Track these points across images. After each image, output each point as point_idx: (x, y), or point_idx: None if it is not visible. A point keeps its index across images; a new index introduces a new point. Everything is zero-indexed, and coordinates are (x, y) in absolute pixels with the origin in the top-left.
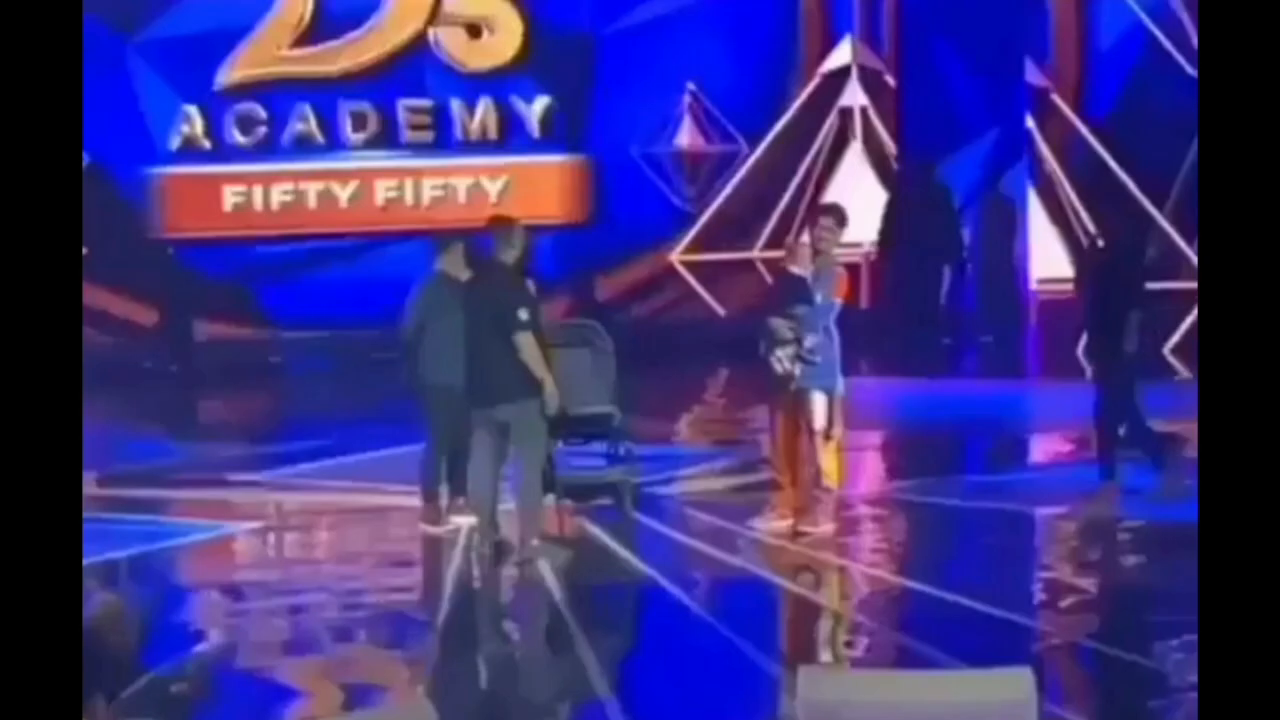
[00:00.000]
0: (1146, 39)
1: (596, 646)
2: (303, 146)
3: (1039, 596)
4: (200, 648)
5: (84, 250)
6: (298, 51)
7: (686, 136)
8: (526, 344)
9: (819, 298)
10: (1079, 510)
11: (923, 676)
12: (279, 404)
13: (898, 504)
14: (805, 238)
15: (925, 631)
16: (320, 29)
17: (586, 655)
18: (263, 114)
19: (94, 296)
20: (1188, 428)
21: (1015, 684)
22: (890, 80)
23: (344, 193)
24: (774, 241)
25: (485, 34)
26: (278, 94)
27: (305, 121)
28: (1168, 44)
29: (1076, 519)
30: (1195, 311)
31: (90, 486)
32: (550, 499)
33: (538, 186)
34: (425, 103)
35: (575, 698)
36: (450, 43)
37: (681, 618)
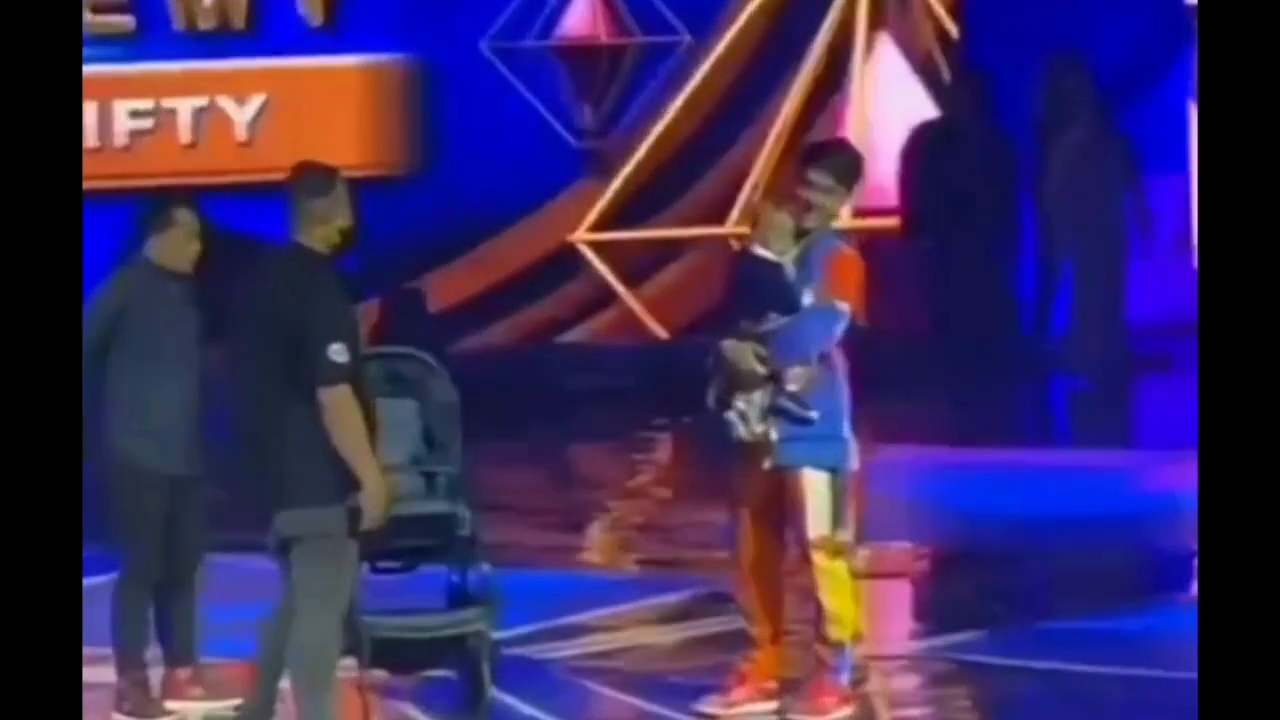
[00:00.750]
0: None
1: None
2: None
3: None
4: None
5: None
6: None
7: (581, 18)
8: (339, 407)
9: (807, 299)
10: None
11: None
12: None
13: (956, 671)
14: (801, 191)
15: None
16: None
17: None
18: None
19: None
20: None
21: None
22: None
23: None
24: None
25: None
26: None
27: None
28: None
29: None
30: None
31: None
32: (352, 668)
33: (320, 111)
34: None
35: None
36: None
37: None
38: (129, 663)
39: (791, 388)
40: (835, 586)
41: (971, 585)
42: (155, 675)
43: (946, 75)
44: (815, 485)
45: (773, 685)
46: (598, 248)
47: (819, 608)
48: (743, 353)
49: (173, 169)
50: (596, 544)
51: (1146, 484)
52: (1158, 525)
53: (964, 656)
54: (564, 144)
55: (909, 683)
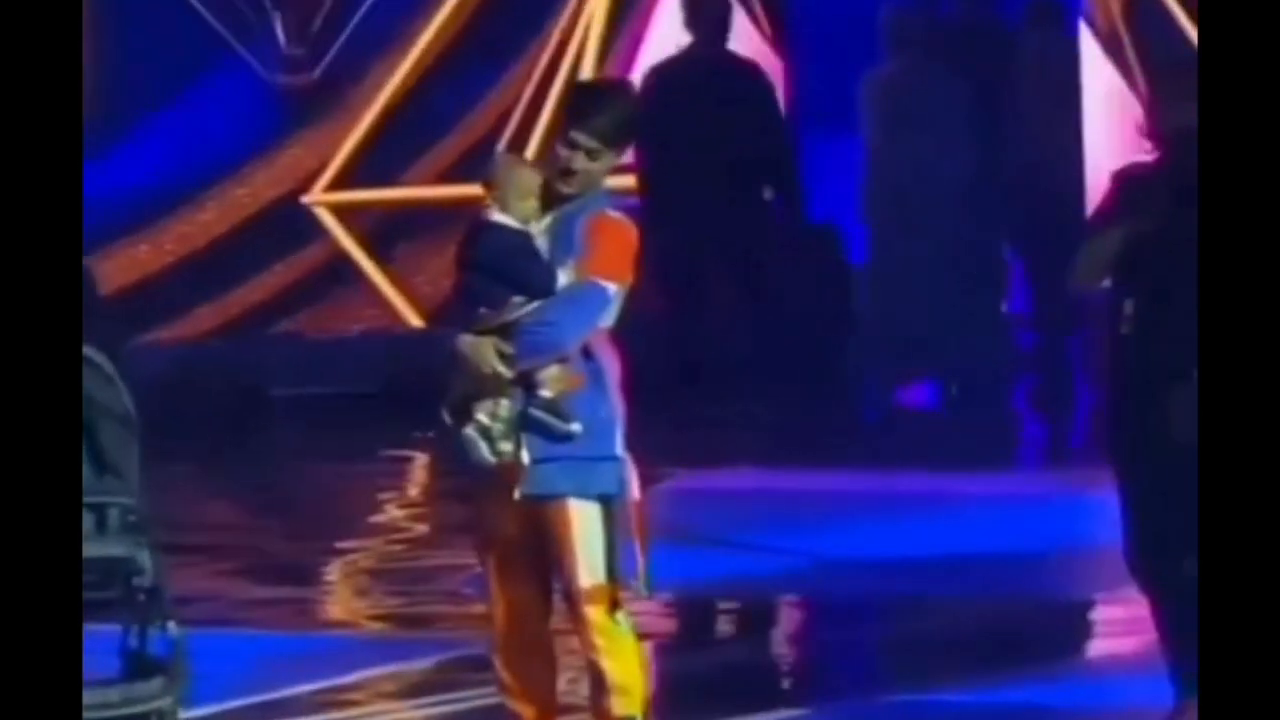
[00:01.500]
0: None
1: None
2: None
3: None
4: None
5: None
6: None
7: None
8: None
9: (564, 278)
10: None
11: None
12: None
13: None
14: (562, 151)
15: None
16: None
17: None
18: None
19: None
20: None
21: None
22: None
23: None
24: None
25: None
26: None
27: None
28: None
29: None
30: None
31: None
32: None
33: None
34: None
35: None
36: None
37: None
38: None
39: (545, 393)
40: (617, 649)
41: (794, 648)
42: None
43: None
44: (582, 519)
45: None
46: (337, 213)
47: (598, 676)
48: (481, 350)
49: None
50: (321, 596)
51: (1030, 512)
52: (1043, 566)
53: None
54: (260, 81)
55: None
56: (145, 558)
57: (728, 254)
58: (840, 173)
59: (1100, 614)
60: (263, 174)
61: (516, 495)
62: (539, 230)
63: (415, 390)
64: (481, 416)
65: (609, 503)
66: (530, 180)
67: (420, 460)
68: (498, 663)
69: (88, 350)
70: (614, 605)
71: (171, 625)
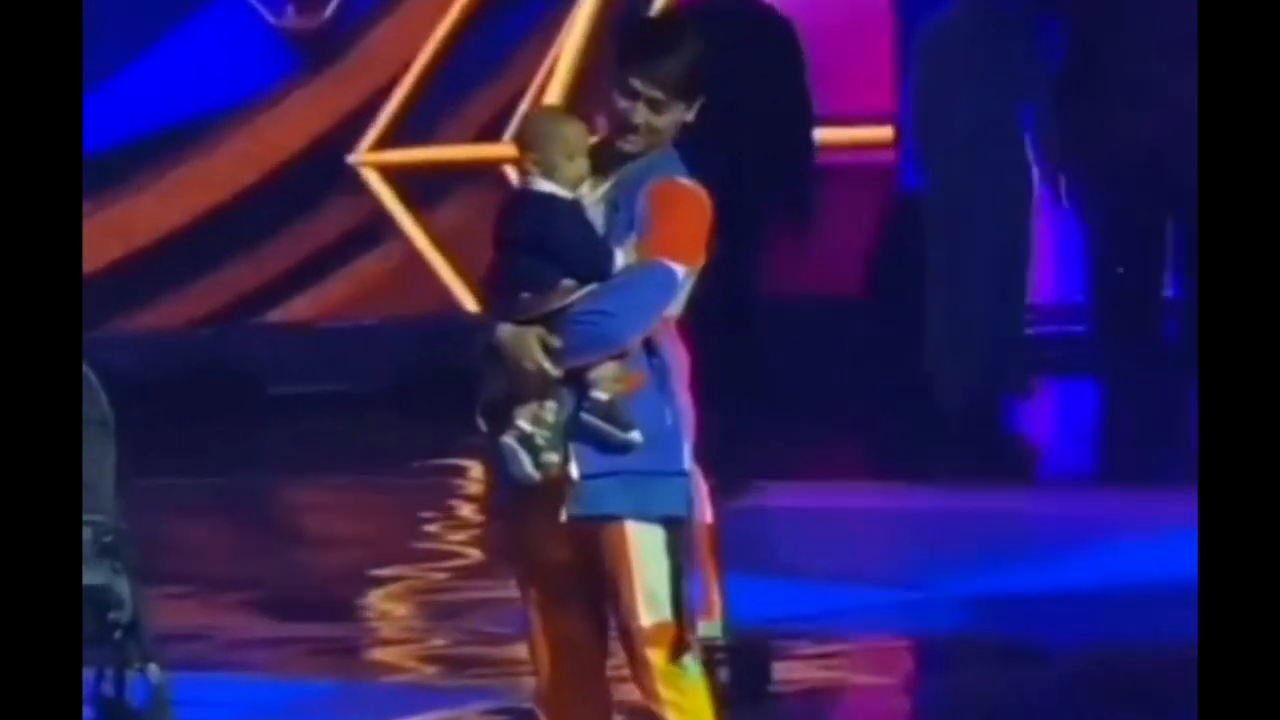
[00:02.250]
0: None
1: None
2: None
3: None
4: None
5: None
6: None
7: None
8: None
9: (621, 255)
10: None
11: None
12: None
13: None
14: (620, 102)
15: None
16: None
17: None
18: None
19: None
20: None
21: None
22: None
23: None
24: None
25: None
26: None
27: None
28: None
29: None
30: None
31: None
32: None
33: None
34: None
35: None
36: None
37: None
38: None
39: (599, 396)
40: (684, 700)
41: (889, 697)
42: None
43: None
44: (642, 545)
45: None
46: (383, 174)
47: None
48: (524, 343)
49: None
50: (332, 635)
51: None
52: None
53: None
54: (262, 22)
55: None
56: (123, 587)
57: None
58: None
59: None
60: (259, 131)
61: (564, 516)
62: (592, 200)
63: (444, 389)
64: (523, 423)
65: (674, 526)
66: (578, 138)
67: (450, 473)
68: (541, 715)
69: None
70: (680, 648)
71: (153, 668)
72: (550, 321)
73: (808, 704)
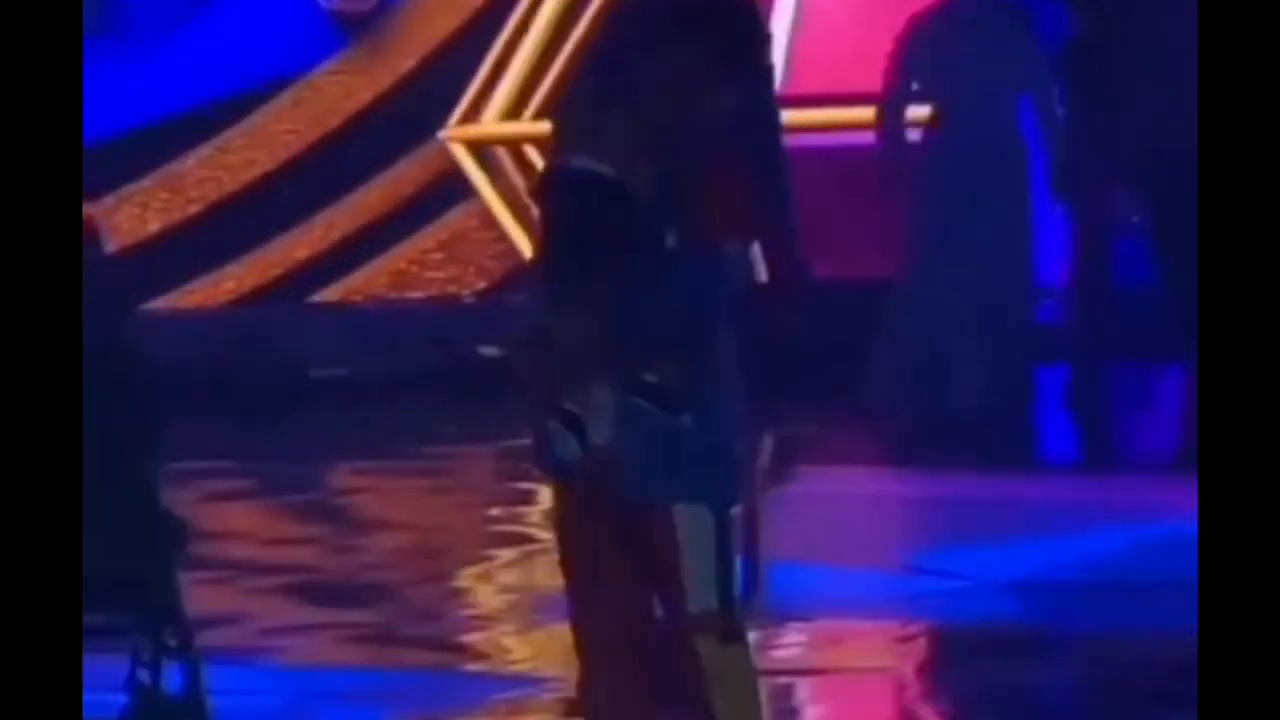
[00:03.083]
0: None
1: None
2: None
3: None
4: None
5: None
6: None
7: None
8: None
9: (672, 238)
10: None
11: None
12: None
13: None
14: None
15: None
16: None
17: None
18: None
19: None
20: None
21: None
22: None
23: None
24: None
25: None
26: None
27: None
28: None
29: None
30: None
31: None
32: None
33: None
34: None
35: None
36: None
37: None
38: None
39: (648, 377)
40: (730, 685)
41: (937, 685)
42: None
43: None
44: (691, 531)
45: None
46: (473, 150)
47: (707, 718)
48: (568, 325)
49: None
50: (373, 621)
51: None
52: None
53: None
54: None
55: None
56: (161, 573)
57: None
58: None
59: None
60: (304, 107)
61: (610, 500)
62: (640, 177)
63: (487, 372)
64: (570, 404)
65: (723, 511)
66: (628, 118)
67: (492, 458)
68: (584, 705)
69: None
70: (729, 636)
71: (191, 654)
72: (595, 302)
73: (843, 689)
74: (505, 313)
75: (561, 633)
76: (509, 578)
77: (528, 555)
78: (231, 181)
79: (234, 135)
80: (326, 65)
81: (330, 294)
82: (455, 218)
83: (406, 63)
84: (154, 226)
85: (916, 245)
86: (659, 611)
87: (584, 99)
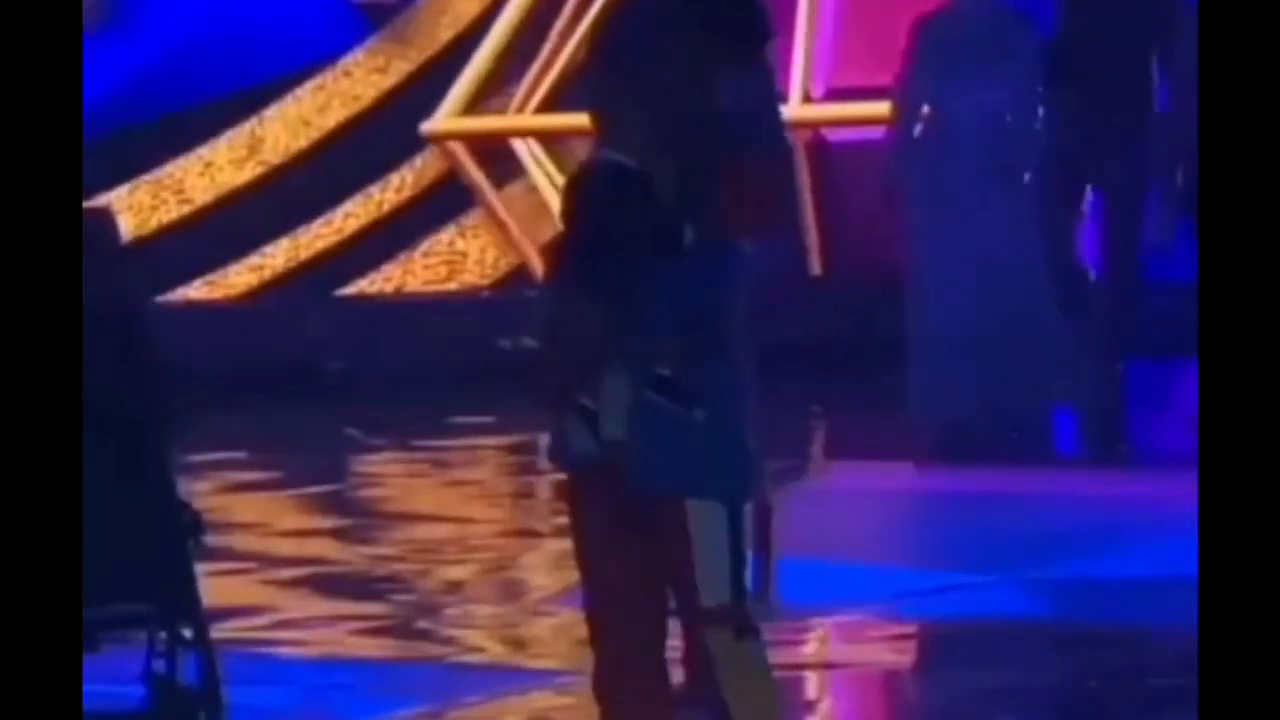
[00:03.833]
0: None
1: None
2: None
3: None
4: None
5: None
6: None
7: None
8: None
9: (690, 234)
10: None
11: None
12: None
13: None
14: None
15: None
16: None
17: None
18: None
19: None
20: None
21: None
22: None
23: None
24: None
25: None
26: None
27: None
28: None
29: None
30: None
31: None
32: None
33: None
34: None
35: None
36: None
37: None
38: None
39: (663, 372)
40: (744, 683)
41: (975, 684)
42: None
43: None
44: (703, 525)
45: None
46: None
47: (722, 713)
48: (587, 318)
49: None
50: (392, 612)
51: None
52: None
53: None
54: None
55: None
56: (177, 565)
57: None
58: None
59: None
60: (321, 96)
61: (624, 494)
62: (661, 173)
63: (505, 367)
64: (585, 398)
65: (735, 506)
66: (647, 114)
67: (509, 451)
68: (599, 697)
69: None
70: (741, 630)
71: (206, 646)
72: (614, 296)
73: (863, 685)
74: (521, 306)
75: (576, 625)
76: (525, 570)
77: (543, 548)
78: (258, 168)
79: (266, 119)
80: (354, 54)
81: (351, 288)
82: (474, 212)
83: (428, 53)
84: (179, 214)
85: (923, 245)
86: (672, 605)
87: (611, 95)
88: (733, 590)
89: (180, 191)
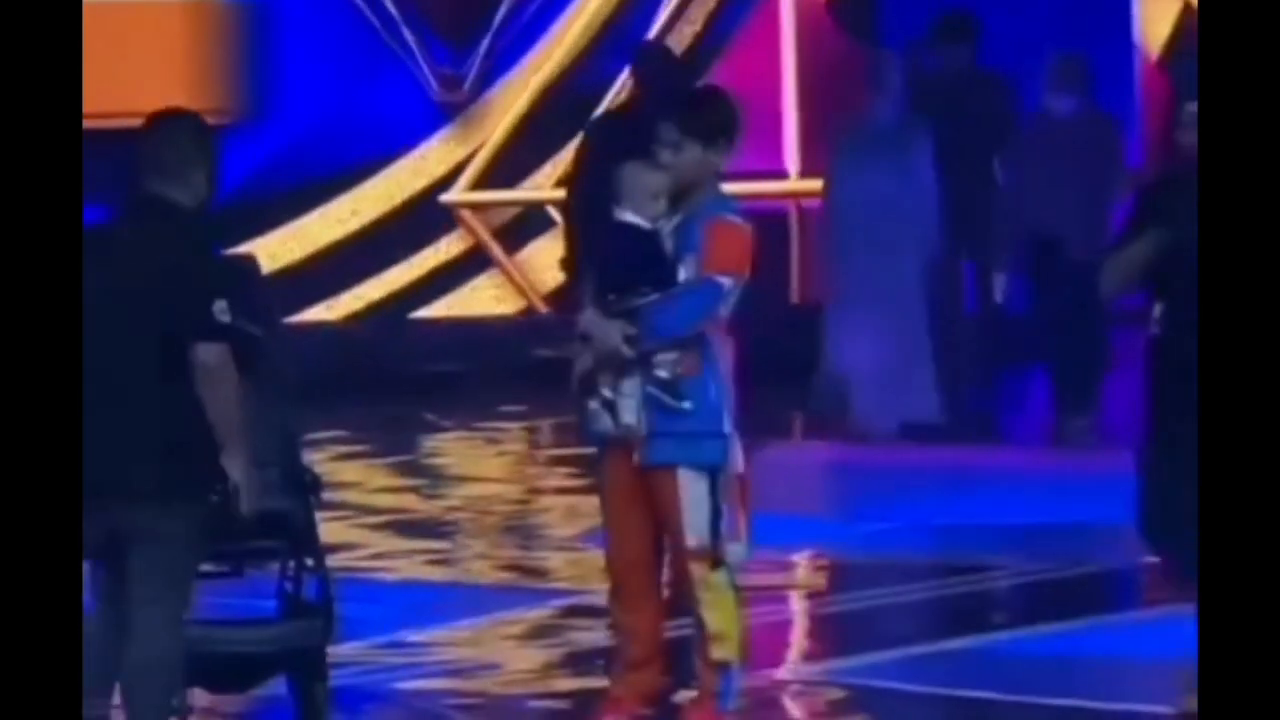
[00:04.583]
0: None
1: None
2: None
3: None
4: None
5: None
6: None
7: None
8: (219, 366)
9: (683, 271)
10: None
11: None
12: None
13: (860, 698)
14: (667, 152)
15: None
16: None
17: None
18: None
19: None
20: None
21: None
22: None
23: None
24: None
25: None
26: None
27: None
28: None
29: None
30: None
31: None
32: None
33: (137, 50)
34: None
35: None
36: None
37: None
38: None
39: (662, 374)
40: (717, 601)
41: (882, 601)
42: None
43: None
44: (690, 487)
45: (647, 711)
46: (475, 210)
47: (700, 625)
48: (609, 330)
49: None
50: (454, 549)
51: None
52: (1098, 536)
53: (870, 682)
54: (419, 90)
55: (805, 710)
56: (301, 511)
57: None
58: None
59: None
60: (405, 174)
61: (635, 461)
62: (667, 230)
63: (541, 368)
64: (606, 391)
65: (715, 474)
66: (657, 183)
67: (546, 429)
68: (613, 607)
69: (249, 326)
70: (715, 563)
71: (323, 572)
72: (629, 315)
73: (797, 604)
74: (558, 325)
75: (597, 557)
76: (558, 517)
77: (573, 501)
78: (355, 225)
79: (363, 191)
80: (430, 141)
81: (426, 311)
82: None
83: (492, 139)
84: (302, 256)
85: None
86: (666, 543)
87: (627, 166)
88: (711, 534)
89: (305, 240)
